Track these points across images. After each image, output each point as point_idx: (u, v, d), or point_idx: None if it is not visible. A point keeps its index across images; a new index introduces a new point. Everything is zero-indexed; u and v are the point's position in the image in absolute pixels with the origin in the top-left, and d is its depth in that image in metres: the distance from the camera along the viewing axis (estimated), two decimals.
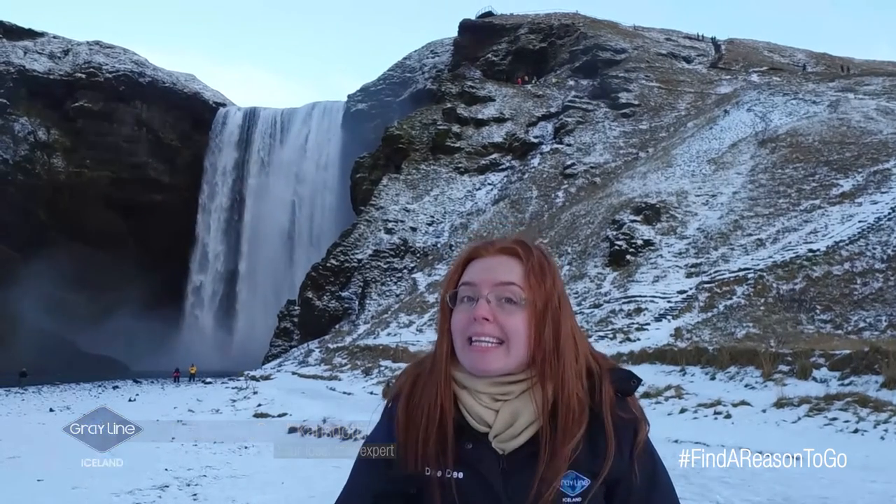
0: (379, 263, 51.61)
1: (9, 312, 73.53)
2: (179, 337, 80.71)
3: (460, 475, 1.46)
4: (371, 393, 25.03)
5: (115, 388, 46.38)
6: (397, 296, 46.90)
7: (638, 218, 35.74)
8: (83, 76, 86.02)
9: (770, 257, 27.18)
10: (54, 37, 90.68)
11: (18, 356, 67.25)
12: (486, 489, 1.45)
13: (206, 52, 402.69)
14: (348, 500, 1.57)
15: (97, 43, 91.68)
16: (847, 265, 24.38)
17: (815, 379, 13.58)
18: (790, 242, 28.19)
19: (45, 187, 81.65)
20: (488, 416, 1.47)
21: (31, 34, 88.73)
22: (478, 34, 78.12)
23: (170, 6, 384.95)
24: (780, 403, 12.62)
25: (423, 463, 1.48)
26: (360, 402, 21.79)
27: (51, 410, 28.77)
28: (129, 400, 34.20)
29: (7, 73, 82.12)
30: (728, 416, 12.90)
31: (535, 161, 57.52)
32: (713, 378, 15.74)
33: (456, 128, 62.27)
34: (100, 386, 48.35)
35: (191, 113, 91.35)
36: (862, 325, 20.51)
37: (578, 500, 1.43)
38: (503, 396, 1.48)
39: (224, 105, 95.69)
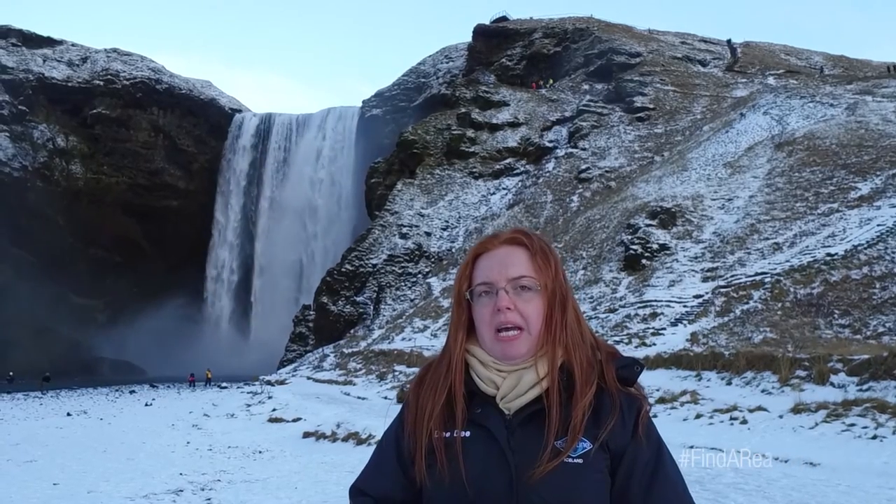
0: (394, 268, 51.65)
1: (26, 317, 74.24)
2: (196, 341, 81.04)
3: (467, 434, 1.60)
4: (385, 398, 25.05)
5: (131, 392, 46.74)
6: (412, 300, 46.91)
7: (653, 222, 35.56)
8: (101, 83, 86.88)
9: (787, 261, 26.93)
10: (73, 45, 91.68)
11: (36, 361, 67.89)
12: (492, 444, 1.57)
13: (223, 57, 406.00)
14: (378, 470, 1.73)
15: (115, 50, 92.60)
16: (866, 269, 24.11)
17: (832, 384, 13.44)
18: (808, 246, 27.92)
19: (64, 193, 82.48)
20: (497, 380, 1.63)
21: (50, 42, 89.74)
22: (492, 39, 78.12)
23: (187, 13, 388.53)
24: (797, 409, 12.49)
25: (430, 426, 1.62)
26: (375, 407, 21.83)
27: (68, 415, 29.05)
28: (146, 404, 34.48)
29: (26, 81, 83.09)
30: (744, 422, 12.78)
31: (550, 165, 57.39)
32: (729, 383, 15.61)
33: (470, 132, 62.24)
34: (117, 390, 48.75)
35: (207, 119, 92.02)
36: (881, 329, 20.27)
37: (580, 461, 1.53)
38: (511, 368, 1.64)
39: (240, 111, 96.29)
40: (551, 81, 69.64)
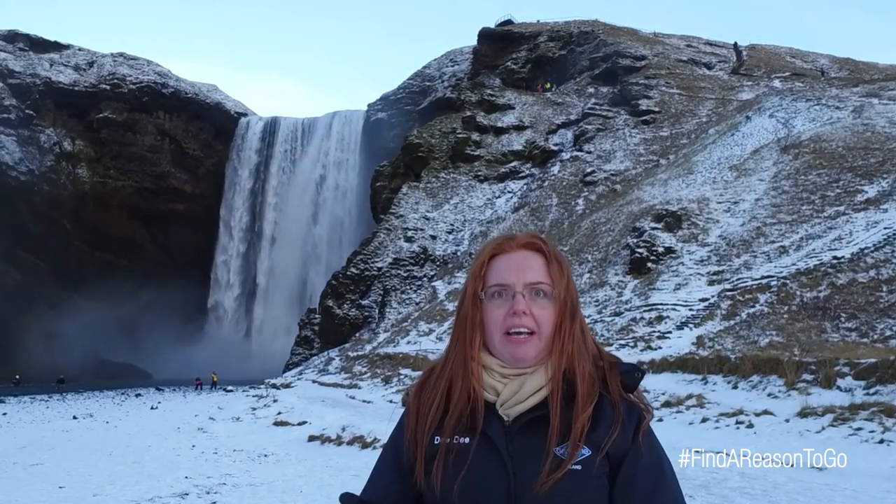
0: (399, 272, 51.67)
1: (33, 320, 74.47)
2: (201, 345, 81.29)
3: (467, 440, 1.59)
4: (391, 401, 25.03)
5: (137, 395, 46.84)
6: (417, 304, 46.92)
7: (659, 225, 35.48)
8: (107, 87, 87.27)
9: (793, 264, 26.83)
10: (79, 49, 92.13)
11: (42, 364, 68.12)
12: (491, 450, 1.58)
13: (229, 61, 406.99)
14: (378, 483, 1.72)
15: (121, 55, 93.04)
16: (872, 272, 24.00)
17: (839, 388, 13.38)
18: (814, 249, 27.82)
19: (70, 197, 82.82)
20: (498, 386, 1.63)
21: (56, 47, 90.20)
22: (497, 42, 78.18)
23: (193, 18, 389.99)
24: (803, 413, 12.45)
25: (430, 432, 1.63)
26: (380, 411, 21.81)
27: (74, 418, 29.10)
28: (152, 408, 34.55)
29: (33, 85, 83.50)
30: (750, 426, 12.73)
31: (555, 169, 57.35)
32: (735, 387, 15.55)
33: (475, 136, 62.25)
34: (123, 394, 48.84)
35: (213, 123, 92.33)
36: (888, 333, 20.16)
37: (578, 468, 1.53)
38: (515, 373, 1.64)
39: (245, 115, 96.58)
40: (549, 85, 69.68)
